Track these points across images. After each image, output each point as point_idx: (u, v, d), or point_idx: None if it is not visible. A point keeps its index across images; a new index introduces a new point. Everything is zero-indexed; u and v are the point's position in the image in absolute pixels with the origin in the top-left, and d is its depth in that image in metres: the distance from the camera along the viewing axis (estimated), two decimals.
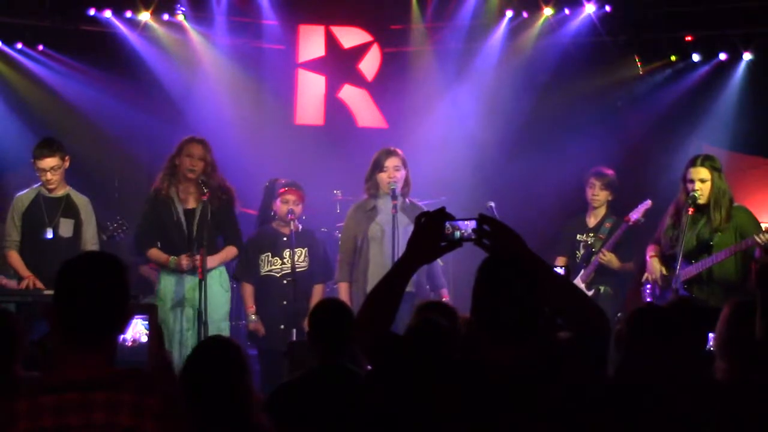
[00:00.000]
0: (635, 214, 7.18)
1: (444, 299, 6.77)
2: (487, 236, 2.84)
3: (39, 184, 6.97)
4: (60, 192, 6.98)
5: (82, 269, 2.56)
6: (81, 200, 7.07)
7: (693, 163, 6.53)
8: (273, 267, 7.11)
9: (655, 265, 6.69)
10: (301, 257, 7.16)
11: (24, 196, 7.00)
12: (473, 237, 2.85)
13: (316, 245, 7.29)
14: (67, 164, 6.95)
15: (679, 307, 4.09)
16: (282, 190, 7.20)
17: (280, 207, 7.17)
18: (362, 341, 2.92)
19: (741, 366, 3.35)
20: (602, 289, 7.31)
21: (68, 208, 6.99)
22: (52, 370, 2.53)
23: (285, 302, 6.95)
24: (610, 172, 7.56)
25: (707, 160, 6.54)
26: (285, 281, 7.01)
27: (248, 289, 7.18)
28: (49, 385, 2.47)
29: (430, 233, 2.86)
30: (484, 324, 2.81)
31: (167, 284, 6.87)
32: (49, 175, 6.85)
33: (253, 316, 7.09)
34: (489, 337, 2.79)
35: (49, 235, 6.91)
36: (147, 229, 6.96)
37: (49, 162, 6.83)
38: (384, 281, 2.90)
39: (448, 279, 7.18)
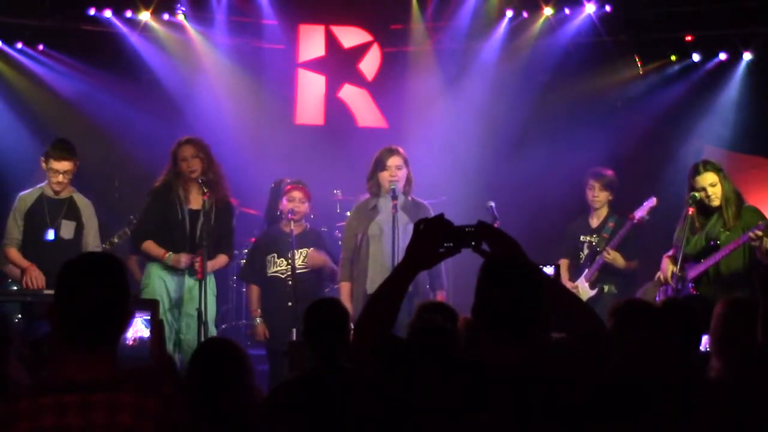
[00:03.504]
0: (640, 212, 7.16)
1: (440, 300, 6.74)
2: (485, 242, 2.88)
3: (42, 183, 6.96)
4: (64, 194, 6.97)
5: (83, 270, 2.56)
6: (84, 203, 7.06)
7: (697, 171, 6.50)
8: (278, 268, 7.06)
9: (666, 266, 6.71)
10: (307, 257, 7.13)
11: (27, 195, 6.99)
12: (472, 243, 2.88)
13: (323, 245, 7.24)
14: (76, 168, 6.96)
15: (665, 305, 4.10)
16: (288, 187, 7.16)
17: (286, 205, 7.10)
18: (363, 343, 2.92)
19: (735, 364, 3.35)
20: (606, 288, 7.30)
21: (71, 210, 6.98)
22: (52, 370, 2.53)
23: (290, 303, 6.83)
24: (608, 172, 7.54)
25: (709, 164, 6.55)
26: (290, 281, 6.95)
27: (254, 291, 7.13)
28: (50, 386, 2.47)
29: (429, 239, 2.88)
30: (486, 324, 2.82)
31: (158, 282, 6.78)
32: (61, 177, 6.85)
33: (258, 320, 7.05)
34: (489, 337, 2.80)
35: (51, 236, 6.90)
36: (147, 223, 6.90)
37: (65, 165, 6.84)
38: (384, 285, 2.93)
39: (449, 280, 7.16)
